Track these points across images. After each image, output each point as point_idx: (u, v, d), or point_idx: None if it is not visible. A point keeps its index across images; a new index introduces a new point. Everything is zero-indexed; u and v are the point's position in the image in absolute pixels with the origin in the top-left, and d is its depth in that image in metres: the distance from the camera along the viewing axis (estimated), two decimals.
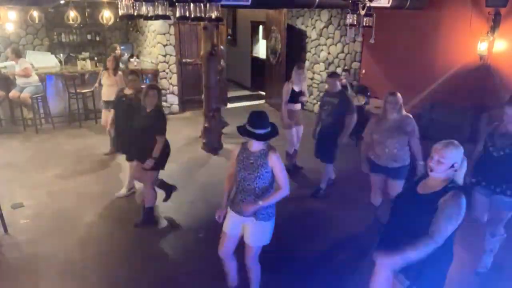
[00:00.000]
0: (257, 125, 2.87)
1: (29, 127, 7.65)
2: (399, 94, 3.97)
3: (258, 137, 2.88)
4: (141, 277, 3.73)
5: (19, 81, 7.32)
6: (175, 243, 4.33)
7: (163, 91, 8.86)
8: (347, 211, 4.90)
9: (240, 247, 3.22)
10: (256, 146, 2.94)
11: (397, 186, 3.97)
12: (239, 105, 9.47)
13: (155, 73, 8.83)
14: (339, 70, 8.37)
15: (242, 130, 2.92)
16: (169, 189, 4.84)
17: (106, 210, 4.88)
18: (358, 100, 7.19)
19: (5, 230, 4.30)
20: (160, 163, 4.35)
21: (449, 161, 2.33)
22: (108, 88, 6.31)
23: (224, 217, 3.21)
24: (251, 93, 10.78)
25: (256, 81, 11.02)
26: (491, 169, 3.45)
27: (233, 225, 3.14)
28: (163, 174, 4.65)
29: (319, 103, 6.05)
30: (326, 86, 5.24)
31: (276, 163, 2.93)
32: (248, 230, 3.08)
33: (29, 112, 7.60)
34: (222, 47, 7.68)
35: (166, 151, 4.39)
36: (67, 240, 4.21)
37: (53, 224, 4.53)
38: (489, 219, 3.62)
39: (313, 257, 3.97)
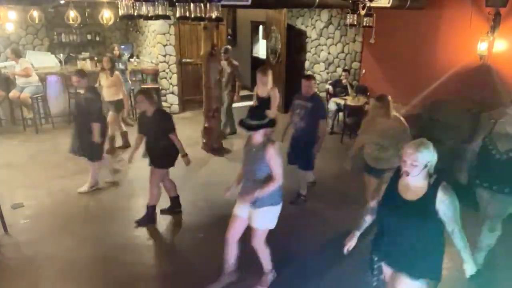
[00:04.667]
0: (250, 117, 3.13)
1: (29, 127, 7.65)
2: (386, 98, 3.92)
3: (249, 127, 3.11)
4: (141, 277, 3.74)
5: (19, 81, 7.32)
6: (175, 243, 4.33)
7: (163, 91, 8.87)
8: (344, 211, 4.90)
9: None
10: (256, 138, 3.17)
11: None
12: (239, 105, 9.46)
13: (155, 73, 8.83)
14: (339, 70, 8.38)
15: (239, 123, 3.21)
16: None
17: (106, 210, 4.88)
18: (358, 100, 7.19)
19: (5, 230, 4.30)
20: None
21: (422, 163, 2.36)
22: (107, 89, 6.37)
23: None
24: (251, 93, 10.75)
25: (256, 81, 11.01)
26: (493, 171, 3.42)
27: (240, 208, 3.36)
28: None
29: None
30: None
31: (272, 155, 3.12)
32: (252, 214, 3.30)
33: (29, 112, 7.60)
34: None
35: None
36: (67, 240, 4.21)
37: (53, 224, 4.53)
38: (489, 215, 3.61)
39: (311, 257, 3.97)
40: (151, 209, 4.55)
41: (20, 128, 7.65)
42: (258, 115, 3.15)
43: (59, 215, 4.72)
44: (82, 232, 4.39)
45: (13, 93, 7.35)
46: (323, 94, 8.62)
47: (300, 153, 4.80)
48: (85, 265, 3.84)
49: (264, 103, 5.16)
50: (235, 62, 7.31)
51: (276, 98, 5.17)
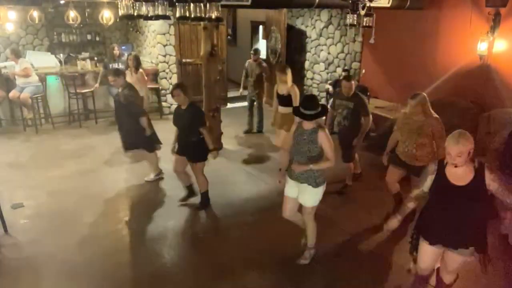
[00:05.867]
0: (307, 107, 3.40)
1: (29, 127, 7.65)
2: (421, 96, 4.02)
3: (306, 117, 3.40)
4: (141, 277, 3.73)
5: (19, 81, 7.32)
6: (175, 243, 4.32)
7: (163, 91, 8.87)
8: (345, 211, 4.91)
9: None
10: (307, 124, 3.45)
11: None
12: (239, 105, 9.48)
13: (155, 73, 8.83)
14: (339, 70, 8.38)
15: (295, 111, 3.49)
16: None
17: (106, 210, 4.88)
18: None
19: (5, 230, 4.30)
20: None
21: (465, 152, 2.58)
22: None
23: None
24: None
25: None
26: None
27: (291, 189, 3.69)
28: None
29: (330, 103, 5.82)
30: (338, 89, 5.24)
31: (324, 139, 3.43)
32: (302, 193, 3.62)
33: (29, 112, 7.60)
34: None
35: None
36: (67, 240, 4.21)
37: (53, 224, 4.53)
38: None
39: (314, 256, 3.97)
40: (204, 194, 4.90)
41: (20, 128, 7.65)
42: (313, 105, 3.41)
43: (59, 215, 4.72)
44: (82, 232, 4.39)
45: (13, 93, 7.35)
46: (323, 94, 8.63)
47: (344, 148, 5.06)
48: (85, 265, 3.84)
49: (284, 100, 5.39)
50: (264, 64, 7.45)
51: (296, 95, 5.35)
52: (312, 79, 9.26)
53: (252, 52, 7.57)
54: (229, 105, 9.62)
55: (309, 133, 3.46)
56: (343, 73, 7.83)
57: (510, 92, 5.48)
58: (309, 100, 3.47)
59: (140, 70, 6.71)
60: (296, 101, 5.30)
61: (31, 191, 5.24)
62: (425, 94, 4.06)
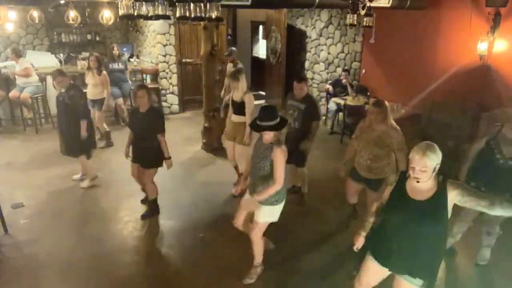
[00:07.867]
0: (262, 118, 3.14)
1: (29, 127, 7.65)
2: (384, 104, 3.78)
3: (261, 128, 3.15)
4: (142, 277, 3.74)
5: (19, 81, 7.32)
6: (176, 243, 4.32)
7: (163, 91, 8.87)
8: (344, 211, 4.90)
9: None
10: (266, 138, 3.19)
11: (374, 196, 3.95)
12: None
13: (155, 73, 8.83)
14: (339, 70, 8.39)
15: (251, 124, 3.26)
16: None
17: (105, 210, 4.88)
18: (358, 100, 7.19)
19: (5, 230, 4.30)
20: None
21: (431, 167, 2.34)
22: (93, 88, 6.50)
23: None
24: (251, 93, 10.75)
25: (256, 81, 11.02)
26: (495, 177, 3.31)
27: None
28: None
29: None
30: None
31: (277, 157, 3.14)
32: (257, 209, 3.39)
33: (29, 112, 7.60)
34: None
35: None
36: (67, 240, 4.22)
37: (53, 224, 4.53)
38: (487, 219, 3.58)
39: (310, 256, 3.97)
40: (152, 202, 4.68)
41: (20, 128, 7.66)
42: (268, 116, 3.14)
43: (59, 215, 4.72)
44: (82, 232, 4.39)
45: (13, 93, 7.35)
46: (323, 94, 8.63)
47: (295, 151, 4.64)
48: (85, 265, 3.84)
49: (240, 108, 4.98)
50: (240, 65, 7.31)
51: (250, 104, 4.88)
52: (312, 79, 9.26)
53: (226, 53, 7.14)
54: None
55: (265, 148, 3.19)
56: (343, 73, 7.84)
57: (510, 92, 5.48)
58: (265, 110, 3.19)
59: (104, 71, 6.56)
60: (249, 111, 4.85)
61: (31, 191, 5.24)
62: (387, 103, 3.83)
